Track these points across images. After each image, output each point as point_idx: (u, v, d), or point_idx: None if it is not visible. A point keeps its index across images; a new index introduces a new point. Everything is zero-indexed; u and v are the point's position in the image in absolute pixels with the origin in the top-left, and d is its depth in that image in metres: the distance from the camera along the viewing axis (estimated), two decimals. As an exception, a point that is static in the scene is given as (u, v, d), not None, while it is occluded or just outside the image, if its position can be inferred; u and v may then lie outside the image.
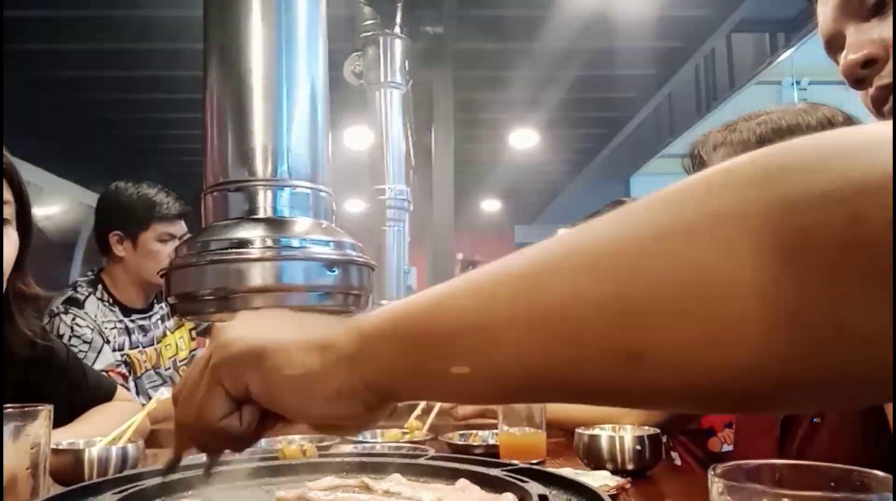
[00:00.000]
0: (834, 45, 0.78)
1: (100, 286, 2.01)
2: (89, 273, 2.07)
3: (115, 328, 1.99)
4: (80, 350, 1.84)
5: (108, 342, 1.94)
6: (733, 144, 1.09)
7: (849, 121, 1.10)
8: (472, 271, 0.41)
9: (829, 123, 1.08)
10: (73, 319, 1.89)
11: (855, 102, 0.80)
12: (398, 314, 0.43)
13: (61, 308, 1.90)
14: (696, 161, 1.16)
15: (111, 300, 2.01)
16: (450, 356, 0.40)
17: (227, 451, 0.55)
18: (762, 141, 1.08)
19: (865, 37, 0.73)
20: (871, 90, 0.74)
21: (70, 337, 1.86)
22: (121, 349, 1.99)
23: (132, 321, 2.05)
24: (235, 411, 0.49)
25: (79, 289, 1.98)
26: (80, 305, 1.93)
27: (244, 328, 0.50)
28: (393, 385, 0.44)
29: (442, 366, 0.40)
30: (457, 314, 0.40)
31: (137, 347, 2.04)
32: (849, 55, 0.73)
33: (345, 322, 0.47)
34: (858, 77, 0.73)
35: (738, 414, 1.10)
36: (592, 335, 0.35)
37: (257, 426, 0.51)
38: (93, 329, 1.90)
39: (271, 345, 0.47)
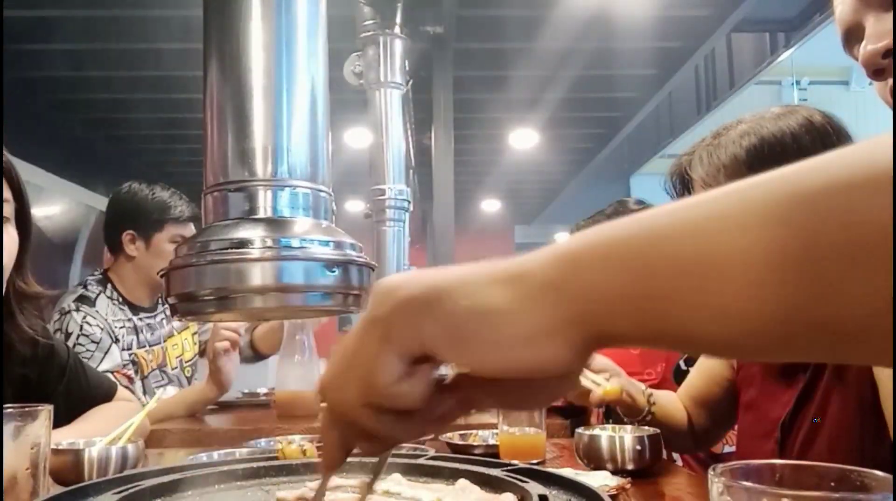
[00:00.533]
0: (852, 36, 0.77)
1: (108, 285, 2.04)
2: (96, 272, 2.09)
3: (124, 327, 2.02)
4: (87, 349, 1.86)
5: (117, 341, 1.96)
6: (724, 165, 1.09)
7: (827, 119, 1.10)
8: (668, 206, 0.36)
9: (810, 124, 1.08)
10: (84, 317, 1.90)
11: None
12: (610, 238, 0.37)
13: (73, 306, 1.91)
14: (683, 180, 1.16)
15: (120, 299, 2.04)
16: (675, 290, 0.34)
17: (394, 443, 0.45)
18: (751, 152, 1.07)
19: (885, 27, 0.72)
20: (890, 81, 0.73)
21: (78, 336, 1.87)
22: (129, 348, 2.01)
23: (140, 319, 2.07)
24: (408, 375, 0.40)
25: (89, 287, 2.01)
26: (91, 303, 1.96)
27: (409, 281, 0.41)
28: (606, 321, 0.37)
29: (665, 301, 0.35)
30: (687, 246, 0.34)
31: (145, 346, 2.07)
32: (868, 45, 0.73)
33: (533, 252, 0.39)
34: (878, 67, 0.73)
35: None
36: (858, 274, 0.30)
37: (441, 410, 0.42)
38: (102, 329, 1.92)
39: (448, 284, 0.39)
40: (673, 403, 1.37)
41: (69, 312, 1.90)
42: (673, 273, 0.35)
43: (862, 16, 0.75)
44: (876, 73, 0.73)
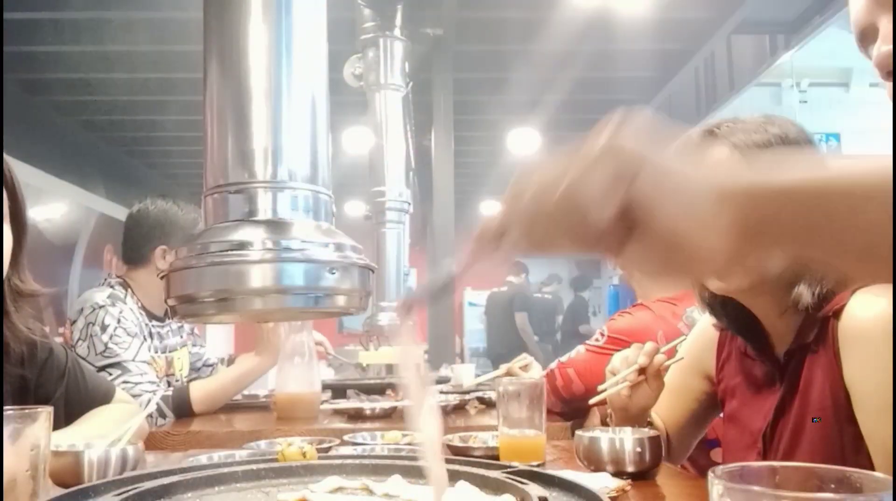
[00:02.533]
0: (867, 37, 0.77)
1: (129, 290, 2.10)
2: (115, 277, 2.15)
3: (143, 330, 2.08)
4: (124, 340, 1.93)
5: (145, 339, 2.04)
6: (757, 143, 1.09)
7: (801, 132, 1.12)
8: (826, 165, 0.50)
9: (785, 136, 1.09)
10: (121, 312, 1.98)
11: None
12: (793, 183, 0.49)
13: (108, 301, 1.98)
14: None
15: (140, 305, 2.11)
16: (833, 213, 0.47)
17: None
18: (777, 139, 1.08)
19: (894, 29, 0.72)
20: (892, 83, 0.73)
21: (116, 328, 1.94)
22: (147, 350, 2.08)
23: (153, 327, 2.14)
24: (606, 201, 0.49)
25: (116, 288, 2.07)
26: (123, 301, 2.03)
27: (653, 149, 0.51)
28: (776, 240, 0.49)
29: (830, 221, 0.48)
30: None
31: (157, 351, 2.13)
32: (882, 47, 0.73)
33: (735, 176, 0.50)
34: (891, 69, 0.73)
35: None
36: None
37: (615, 227, 0.50)
38: (136, 324, 2.00)
39: (681, 173, 0.50)
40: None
41: (104, 306, 1.96)
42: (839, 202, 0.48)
43: (876, 17, 0.75)
44: (888, 74, 0.74)
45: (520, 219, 0.53)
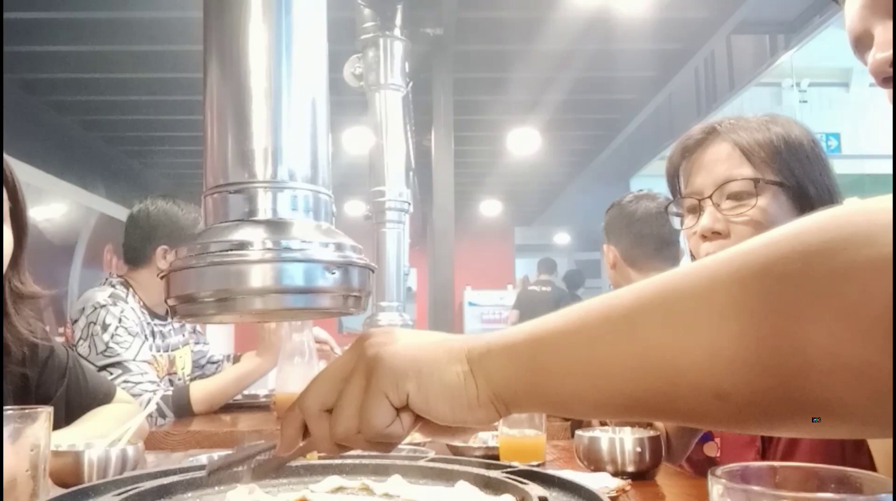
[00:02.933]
0: (862, 43, 0.78)
1: (130, 289, 2.11)
2: (116, 276, 2.15)
3: (147, 327, 2.09)
4: (125, 340, 1.94)
5: (146, 338, 2.04)
6: (760, 143, 1.09)
7: (804, 132, 1.12)
8: (582, 304, 0.51)
9: (788, 135, 1.10)
10: (122, 311, 1.98)
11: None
12: (515, 339, 0.53)
13: (109, 301, 1.99)
14: (701, 143, 1.16)
15: (141, 304, 2.12)
16: (560, 380, 0.50)
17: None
18: (779, 139, 1.09)
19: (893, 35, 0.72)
20: (892, 90, 0.73)
21: (117, 327, 1.95)
22: (149, 349, 2.08)
23: (156, 325, 2.15)
24: (397, 418, 0.56)
25: (117, 288, 2.08)
26: (125, 300, 2.04)
27: (395, 347, 0.57)
28: (513, 398, 0.53)
29: (552, 388, 0.51)
30: (566, 350, 0.50)
31: (160, 350, 2.14)
32: (877, 54, 0.73)
33: (478, 337, 0.56)
34: (886, 76, 0.73)
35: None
36: (687, 379, 0.44)
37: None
38: (137, 323, 2.00)
39: (425, 357, 0.56)
40: None
41: (105, 306, 1.97)
42: (556, 368, 0.50)
43: (870, 24, 0.75)
44: (885, 81, 0.74)
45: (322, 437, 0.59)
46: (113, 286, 2.07)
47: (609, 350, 0.47)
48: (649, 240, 2.02)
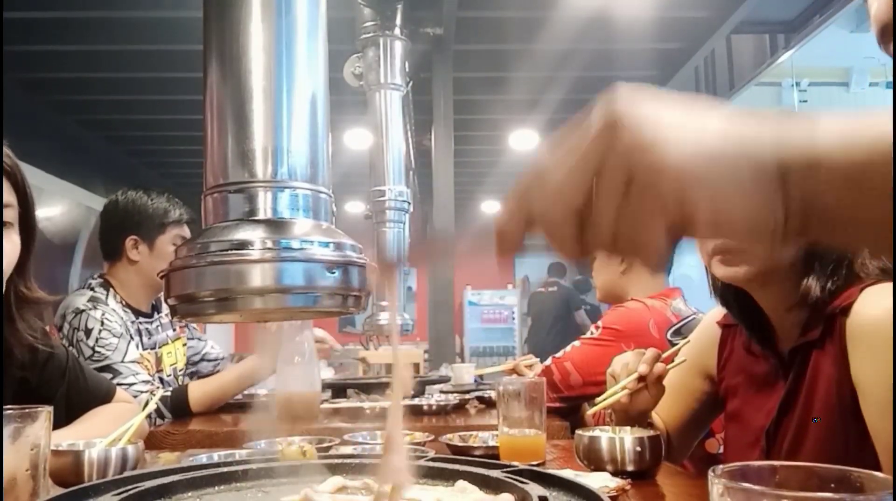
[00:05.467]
0: (887, 33, 0.77)
1: (111, 289, 2.08)
2: (96, 277, 2.12)
3: (129, 329, 2.06)
4: (110, 343, 1.91)
5: (132, 338, 2.02)
6: None
7: None
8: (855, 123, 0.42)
9: None
10: (103, 314, 1.95)
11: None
12: (853, 156, 0.42)
13: (89, 305, 1.96)
14: None
15: (123, 303, 2.08)
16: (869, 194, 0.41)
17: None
18: None
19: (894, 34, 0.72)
20: (892, 83, 0.73)
21: (100, 330, 1.92)
22: (136, 348, 2.05)
23: (140, 323, 2.12)
24: (659, 236, 0.44)
25: (97, 290, 2.05)
26: (105, 302, 2.01)
27: (678, 148, 0.43)
28: (834, 227, 0.43)
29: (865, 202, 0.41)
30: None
31: (146, 348, 2.12)
32: None
33: (788, 142, 0.43)
34: None
35: None
36: None
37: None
38: (120, 324, 1.97)
39: (724, 170, 0.42)
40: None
41: (84, 310, 1.94)
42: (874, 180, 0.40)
43: None
44: None
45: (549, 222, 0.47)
46: (92, 289, 2.04)
47: None
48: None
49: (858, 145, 0.42)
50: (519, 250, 0.49)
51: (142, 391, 1.86)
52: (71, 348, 1.88)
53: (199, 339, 2.41)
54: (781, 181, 0.42)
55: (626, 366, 1.21)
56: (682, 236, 0.44)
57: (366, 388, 2.23)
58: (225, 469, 0.85)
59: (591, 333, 1.93)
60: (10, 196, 1.14)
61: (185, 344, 2.32)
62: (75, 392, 1.35)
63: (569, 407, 1.91)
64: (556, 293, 8.06)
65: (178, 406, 1.92)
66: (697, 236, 0.44)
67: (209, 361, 2.40)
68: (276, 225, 0.74)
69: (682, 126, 0.44)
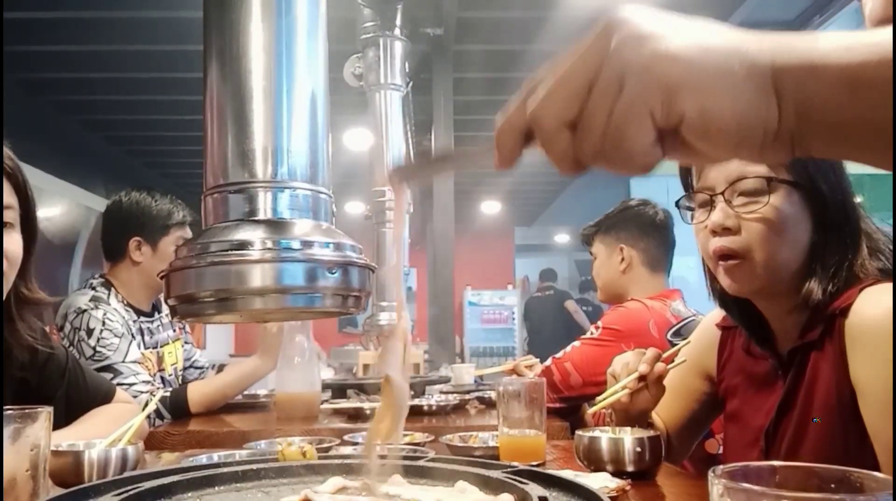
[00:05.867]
0: None
1: (112, 289, 2.08)
2: (98, 277, 2.12)
3: (132, 327, 2.06)
4: (112, 342, 1.92)
5: (133, 337, 2.02)
6: None
7: None
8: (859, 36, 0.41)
9: None
10: (105, 313, 1.96)
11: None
12: (852, 58, 0.41)
13: (90, 305, 1.96)
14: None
15: (125, 302, 2.09)
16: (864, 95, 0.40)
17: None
18: None
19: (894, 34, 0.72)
20: (892, 86, 0.73)
21: (101, 330, 1.92)
22: (137, 348, 2.06)
23: (142, 323, 2.13)
24: (657, 141, 0.44)
25: (98, 289, 2.06)
26: (106, 302, 2.01)
27: (667, 45, 0.43)
28: (832, 136, 0.43)
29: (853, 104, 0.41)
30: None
31: (149, 347, 2.12)
32: None
33: (782, 46, 0.43)
34: None
35: None
36: None
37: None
38: (122, 324, 1.98)
39: (715, 70, 0.42)
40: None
41: (86, 310, 1.94)
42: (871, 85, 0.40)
43: (890, 9, 0.75)
44: None
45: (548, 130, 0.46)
46: (94, 289, 2.05)
47: None
48: (671, 245, 2.09)
49: (857, 49, 0.41)
50: (517, 161, 0.49)
51: (142, 392, 1.86)
52: (72, 348, 1.88)
53: (186, 341, 2.41)
54: (775, 81, 0.42)
55: (627, 366, 1.21)
56: (671, 143, 0.44)
57: (366, 389, 2.23)
58: (225, 469, 0.85)
59: (591, 333, 1.93)
60: (11, 197, 1.14)
61: (183, 345, 2.33)
62: (75, 393, 1.35)
63: (569, 408, 1.91)
64: (553, 296, 8.35)
65: (177, 407, 1.92)
66: (687, 143, 0.43)
67: (196, 368, 2.41)
68: (276, 225, 0.74)
69: (679, 24, 0.44)
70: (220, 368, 2.33)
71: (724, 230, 1.07)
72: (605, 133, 0.43)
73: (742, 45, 0.43)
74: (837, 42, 0.42)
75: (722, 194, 1.08)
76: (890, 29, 0.41)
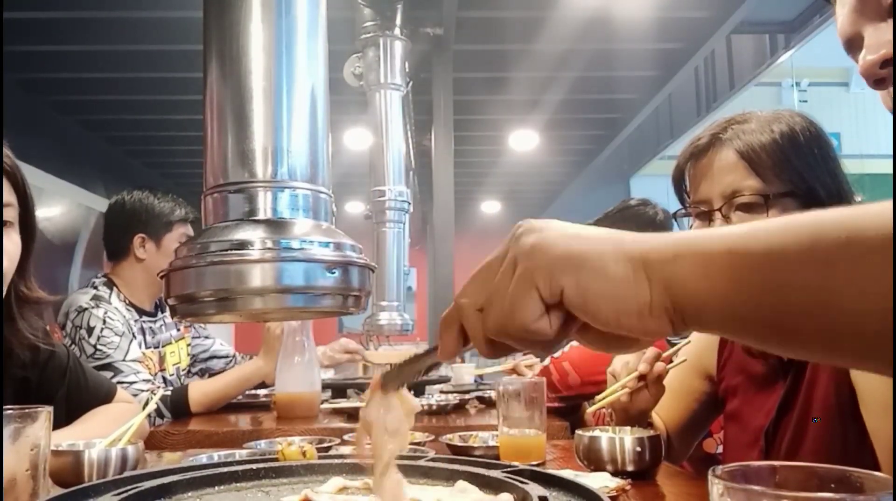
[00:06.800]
0: (853, 46, 0.78)
1: (114, 288, 2.09)
2: (100, 276, 2.12)
3: (133, 326, 2.07)
4: (112, 341, 1.92)
5: (134, 336, 2.02)
6: (765, 144, 1.08)
7: (809, 124, 1.12)
8: (788, 222, 0.45)
9: (791, 131, 1.09)
10: (106, 312, 1.96)
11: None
12: (712, 249, 0.47)
13: (92, 303, 1.97)
14: (707, 148, 1.15)
15: (127, 301, 2.09)
16: (770, 302, 0.44)
17: (509, 353, 0.56)
18: (784, 137, 1.08)
19: (883, 37, 0.73)
20: (892, 89, 0.74)
21: (102, 329, 1.92)
22: (139, 347, 2.06)
23: (144, 322, 2.13)
24: (545, 314, 0.50)
25: (100, 288, 2.06)
26: (108, 301, 2.02)
27: (553, 234, 0.51)
28: (697, 313, 0.47)
29: (755, 309, 0.45)
30: (786, 275, 0.44)
31: (150, 347, 2.13)
32: (867, 56, 0.74)
33: (656, 240, 0.49)
34: (878, 77, 0.73)
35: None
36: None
37: (562, 330, 0.51)
38: (123, 323, 1.98)
39: (589, 252, 0.49)
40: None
41: (87, 309, 1.94)
42: (774, 293, 0.44)
43: (860, 27, 0.76)
44: (876, 82, 0.74)
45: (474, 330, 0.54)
46: (95, 288, 2.05)
47: (854, 282, 0.41)
48: None
49: (714, 236, 0.47)
50: (459, 351, 0.57)
51: (142, 390, 1.86)
52: (73, 346, 1.89)
53: (206, 337, 2.41)
54: (644, 264, 0.48)
55: (627, 365, 1.21)
56: (560, 316, 0.50)
57: (366, 388, 2.23)
58: (225, 469, 0.85)
59: None
60: (10, 196, 1.14)
61: (189, 344, 2.32)
62: (76, 392, 1.35)
63: (569, 407, 1.91)
64: None
65: (177, 406, 1.93)
66: (573, 315, 0.50)
67: (220, 358, 2.40)
68: (276, 225, 0.74)
69: (570, 224, 0.53)
70: (252, 358, 2.32)
71: None
72: (502, 309, 0.51)
73: (618, 236, 0.51)
74: (703, 232, 0.49)
75: (719, 209, 1.08)
76: (750, 223, 0.47)
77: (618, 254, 0.49)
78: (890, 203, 0.42)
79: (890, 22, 0.73)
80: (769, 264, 0.44)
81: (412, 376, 0.65)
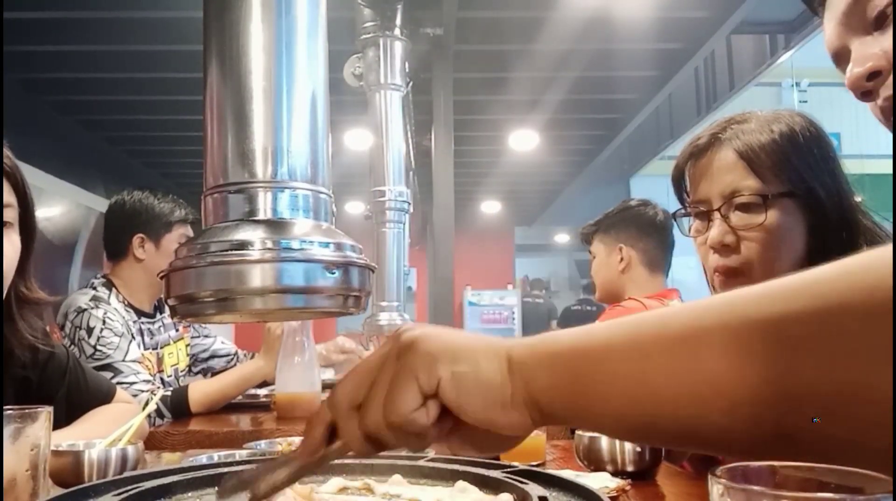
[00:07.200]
0: (840, 58, 0.79)
1: (113, 289, 2.09)
2: (99, 277, 2.12)
3: (132, 327, 2.06)
4: (111, 341, 1.92)
5: (133, 337, 2.02)
6: (764, 144, 1.08)
7: (809, 124, 1.12)
8: (627, 319, 0.49)
9: (791, 131, 1.09)
10: (105, 313, 1.96)
11: (853, 103, 0.80)
12: (559, 346, 0.51)
13: (91, 304, 1.97)
14: (706, 148, 1.15)
15: (126, 302, 2.09)
16: (602, 396, 0.48)
17: (385, 449, 0.56)
18: (784, 137, 1.08)
19: (869, 50, 0.74)
20: (879, 101, 0.74)
21: (102, 329, 1.93)
22: (137, 348, 2.06)
23: (143, 323, 2.13)
24: (423, 405, 0.52)
25: (99, 289, 2.06)
26: (107, 302, 2.02)
27: (433, 332, 0.55)
28: (549, 407, 0.51)
29: (592, 403, 0.49)
30: (613, 366, 0.48)
31: (149, 348, 2.13)
32: (854, 69, 0.74)
33: (523, 340, 0.53)
34: (864, 90, 0.74)
35: None
36: (744, 411, 0.42)
37: (436, 426, 0.53)
38: (122, 324, 1.98)
39: (463, 347, 0.53)
40: None
41: (86, 309, 1.95)
42: (600, 385, 0.48)
43: (846, 39, 0.77)
44: (864, 95, 0.75)
45: (347, 431, 0.55)
46: (95, 289, 2.05)
47: (664, 371, 0.45)
48: (671, 245, 2.09)
49: (561, 336, 0.52)
50: (321, 449, 0.56)
51: (142, 391, 1.86)
52: (72, 346, 1.89)
53: (206, 336, 2.40)
54: (509, 361, 0.52)
55: None
56: (436, 410, 0.52)
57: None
58: (225, 470, 0.85)
59: None
60: (10, 196, 1.14)
61: (188, 344, 2.32)
62: (76, 392, 1.35)
63: None
64: (542, 305, 9.46)
65: (177, 406, 1.93)
66: (448, 408, 0.52)
67: (220, 357, 2.40)
68: (276, 225, 0.74)
69: (445, 329, 0.56)
70: (253, 356, 2.32)
71: (723, 247, 1.07)
72: (382, 400, 0.52)
73: (488, 338, 0.54)
74: (563, 331, 0.52)
75: (718, 209, 1.08)
76: (608, 321, 0.50)
77: (488, 351, 0.53)
78: (694, 302, 0.47)
79: (875, 35, 0.74)
80: (605, 357, 0.48)
81: (283, 483, 0.58)
